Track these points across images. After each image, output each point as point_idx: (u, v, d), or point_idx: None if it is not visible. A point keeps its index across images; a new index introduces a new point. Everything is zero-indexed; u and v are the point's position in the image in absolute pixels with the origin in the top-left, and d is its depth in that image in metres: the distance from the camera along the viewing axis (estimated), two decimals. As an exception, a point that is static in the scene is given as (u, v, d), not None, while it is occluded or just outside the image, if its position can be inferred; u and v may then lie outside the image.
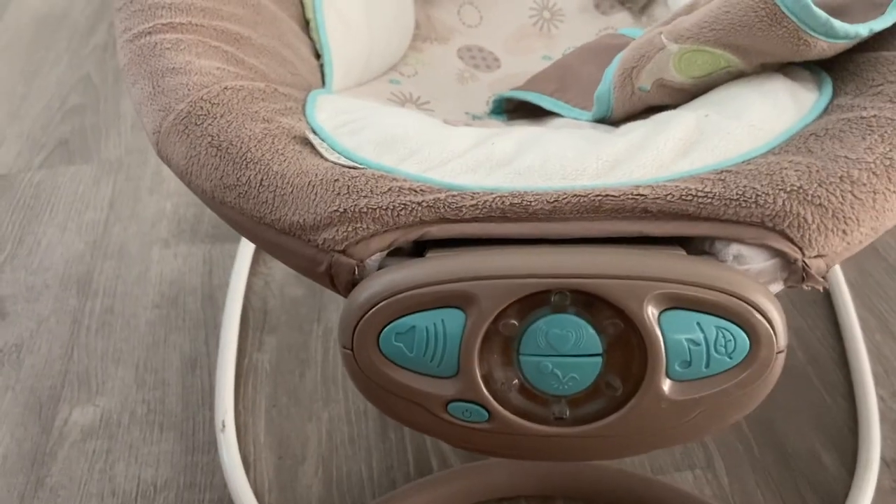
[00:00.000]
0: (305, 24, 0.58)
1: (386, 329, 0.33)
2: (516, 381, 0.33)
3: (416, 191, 0.36)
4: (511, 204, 0.36)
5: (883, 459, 0.69)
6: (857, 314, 0.80)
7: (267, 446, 0.71)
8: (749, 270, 0.34)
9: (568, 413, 0.33)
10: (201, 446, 0.71)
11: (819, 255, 0.34)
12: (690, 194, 0.34)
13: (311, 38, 0.58)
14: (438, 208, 0.36)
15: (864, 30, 0.40)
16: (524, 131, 0.43)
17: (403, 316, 0.32)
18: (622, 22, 0.76)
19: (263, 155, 0.38)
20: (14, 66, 1.27)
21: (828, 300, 0.83)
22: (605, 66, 0.51)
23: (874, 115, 0.37)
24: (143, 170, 1.05)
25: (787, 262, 0.34)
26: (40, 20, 1.39)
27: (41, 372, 0.78)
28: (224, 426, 0.69)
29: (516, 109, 0.64)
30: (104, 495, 0.67)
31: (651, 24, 0.69)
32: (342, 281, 0.35)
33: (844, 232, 0.34)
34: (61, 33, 1.35)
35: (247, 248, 0.89)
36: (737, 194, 0.34)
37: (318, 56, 0.57)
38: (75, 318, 0.84)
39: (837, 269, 0.85)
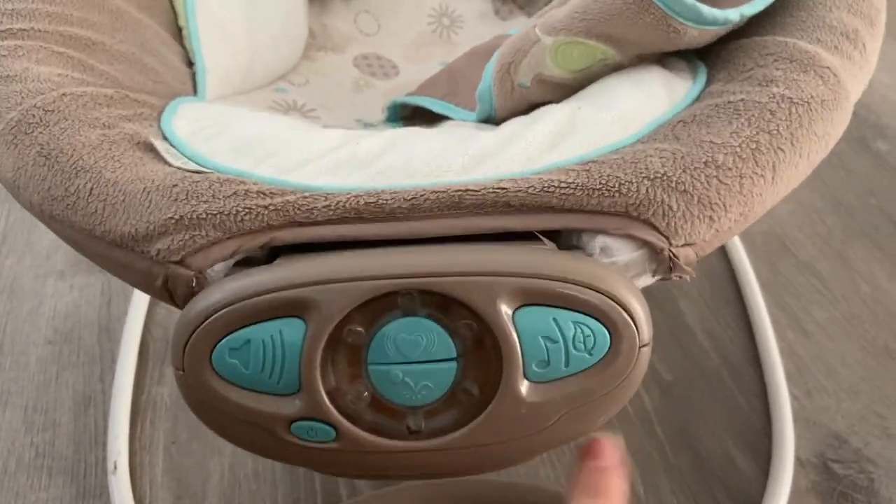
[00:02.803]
0: (177, 32, 0.55)
1: (219, 345, 0.29)
2: (367, 393, 0.30)
3: (264, 194, 0.34)
4: (366, 203, 0.33)
5: (798, 459, 0.68)
6: (769, 313, 0.80)
7: (164, 486, 0.66)
8: (616, 263, 0.32)
9: (423, 425, 0.30)
10: (93, 490, 0.65)
11: (687, 244, 0.32)
12: (553, 185, 0.32)
13: (183, 47, 0.55)
14: (288, 211, 0.33)
15: (734, 15, 0.39)
16: (394, 131, 0.41)
17: (237, 329, 0.29)
18: (521, 27, 0.75)
19: (97, 162, 0.35)
20: None
21: (741, 300, 0.83)
22: (491, 65, 0.49)
23: (742, 99, 0.36)
24: (38, 198, 1.00)
25: (654, 253, 0.32)
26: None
27: (-82, 420, 0.72)
28: (116, 468, 0.64)
29: (412, 116, 0.62)
30: (-17, 549, 0.62)
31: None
32: (180, 295, 0.32)
33: (711, 218, 0.32)
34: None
35: (146, 276, 0.84)
36: (600, 184, 0.32)
37: (191, 64, 0.54)
38: (-43, 360, 0.78)
39: (748, 267, 0.85)
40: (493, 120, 0.50)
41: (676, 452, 0.68)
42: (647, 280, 0.33)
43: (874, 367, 0.76)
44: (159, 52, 0.51)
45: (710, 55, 0.42)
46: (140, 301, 0.82)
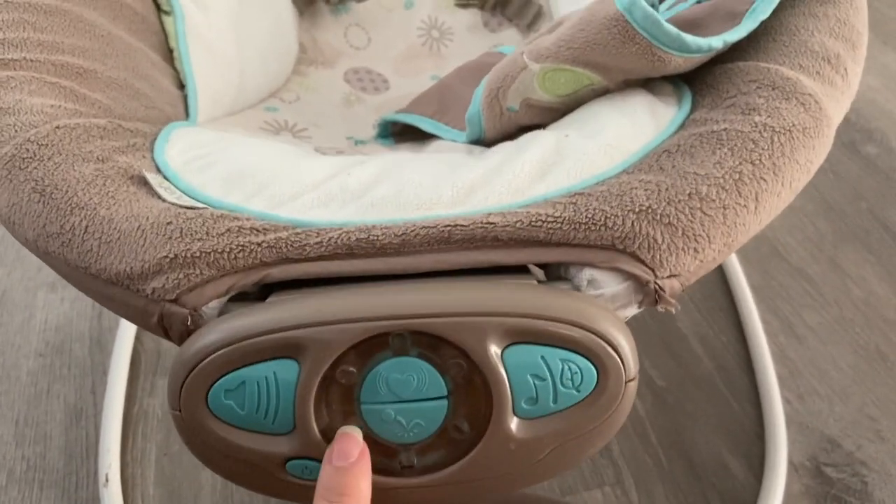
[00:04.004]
0: (168, 54, 0.55)
1: (215, 386, 0.30)
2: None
3: (257, 230, 0.34)
4: (357, 239, 0.34)
5: (791, 463, 0.69)
6: (761, 317, 0.81)
7: (157, 499, 0.67)
8: (603, 295, 0.33)
9: (416, 462, 0.31)
10: (84, 502, 0.66)
11: (672, 275, 0.33)
12: (540, 220, 0.33)
13: (174, 69, 0.55)
14: (280, 248, 0.33)
15: (717, 42, 0.40)
16: (385, 159, 0.42)
17: (232, 371, 0.30)
18: (511, 39, 0.75)
19: (91, 199, 0.35)
20: None
21: (733, 306, 0.84)
22: (481, 85, 0.50)
23: (724, 129, 0.36)
24: (32, 210, 1.00)
25: (640, 284, 0.33)
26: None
27: (-87, 436, 0.72)
28: (108, 480, 0.65)
29: (403, 132, 0.63)
30: (-20, 565, 0.62)
31: (536, 40, 0.68)
32: (175, 332, 0.33)
33: (696, 250, 0.33)
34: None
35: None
36: (586, 217, 0.33)
37: (182, 87, 0.54)
38: (-49, 374, 0.78)
39: (740, 273, 0.86)
40: (482, 141, 0.50)
41: (670, 458, 0.69)
42: (633, 310, 0.34)
43: (866, 370, 0.77)
44: (151, 76, 0.51)
45: (695, 79, 0.43)
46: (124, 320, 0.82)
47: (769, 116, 0.36)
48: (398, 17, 0.76)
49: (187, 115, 0.53)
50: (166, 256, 0.33)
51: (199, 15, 0.56)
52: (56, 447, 0.70)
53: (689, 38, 0.38)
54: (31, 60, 0.43)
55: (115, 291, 0.34)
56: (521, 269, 0.34)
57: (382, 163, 0.41)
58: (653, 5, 0.39)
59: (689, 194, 0.33)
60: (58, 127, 0.39)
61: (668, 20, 0.38)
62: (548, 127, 0.44)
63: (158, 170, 0.40)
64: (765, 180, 0.34)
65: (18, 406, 0.74)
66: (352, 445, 0.30)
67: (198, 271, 0.33)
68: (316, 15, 0.75)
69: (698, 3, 0.43)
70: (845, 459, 0.70)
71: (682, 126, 0.39)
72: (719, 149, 0.35)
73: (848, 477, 0.69)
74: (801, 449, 0.71)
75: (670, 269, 0.33)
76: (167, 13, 0.55)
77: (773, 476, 0.67)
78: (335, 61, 0.73)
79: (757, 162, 0.35)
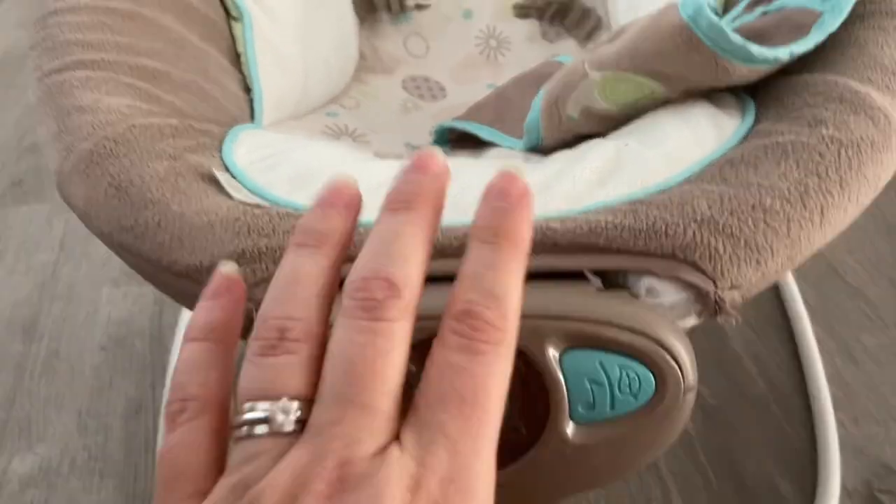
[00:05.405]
0: (236, 59, 0.57)
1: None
2: (416, 429, 0.31)
3: (321, 229, 0.35)
4: (418, 240, 0.34)
5: (844, 488, 0.67)
6: (817, 338, 0.79)
7: (211, 492, 0.68)
8: (661, 304, 0.32)
9: (471, 462, 0.31)
10: (142, 494, 0.68)
11: (733, 287, 0.33)
12: (600, 227, 0.33)
13: (241, 73, 0.57)
14: (343, 247, 0.34)
15: (783, 53, 0.39)
16: (445, 163, 0.42)
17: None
18: (568, 50, 0.76)
19: (164, 195, 0.37)
20: (-30, 105, 1.26)
21: (787, 325, 0.82)
22: (539, 94, 0.50)
23: (790, 140, 0.36)
24: (97, 208, 1.03)
25: (700, 295, 0.33)
26: (1, 59, 1.38)
27: (-19, 421, 0.75)
28: (165, 473, 0.67)
29: (459, 139, 0.64)
30: (39, 549, 0.65)
31: (594, 51, 0.68)
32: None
33: (758, 262, 0.32)
34: (23, 73, 1.34)
35: (198, 286, 0.87)
36: (647, 225, 0.33)
37: (248, 90, 0.56)
38: (19, 363, 0.81)
39: (796, 292, 0.84)
40: (539, 150, 0.51)
41: (720, 478, 0.68)
42: (692, 321, 0.34)
43: (925, 396, 0.75)
44: (219, 80, 0.53)
45: (759, 91, 0.42)
46: (191, 312, 0.84)
47: (836, 129, 0.36)
48: (457, 27, 0.76)
49: (252, 117, 0.55)
50: (234, 251, 0.34)
51: (267, 22, 0.58)
52: (116, 439, 0.73)
53: (755, 48, 0.38)
54: (109, 61, 0.45)
55: (184, 284, 0.35)
56: (578, 277, 0.34)
57: (442, 167, 0.41)
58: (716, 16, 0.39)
59: (753, 205, 0.33)
60: (133, 125, 0.41)
61: (733, 31, 0.38)
62: (607, 136, 0.44)
63: (226, 169, 0.41)
64: (831, 194, 0.34)
65: (81, 397, 0.77)
66: (513, 183, 0.25)
67: (264, 266, 0.34)
68: (376, 24, 0.77)
69: (765, 14, 0.43)
70: (902, 487, 0.68)
71: (746, 137, 0.39)
72: (784, 160, 0.35)
73: (905, 505, 0.66)
74: (855, 474, 0.69)
75: (731, 281, 0.32)
76: (236, 19, 0.57)
77: (826, 501, 0.65)
78: (394, 69, 0.74)
79: (823, 175, 0.34)
